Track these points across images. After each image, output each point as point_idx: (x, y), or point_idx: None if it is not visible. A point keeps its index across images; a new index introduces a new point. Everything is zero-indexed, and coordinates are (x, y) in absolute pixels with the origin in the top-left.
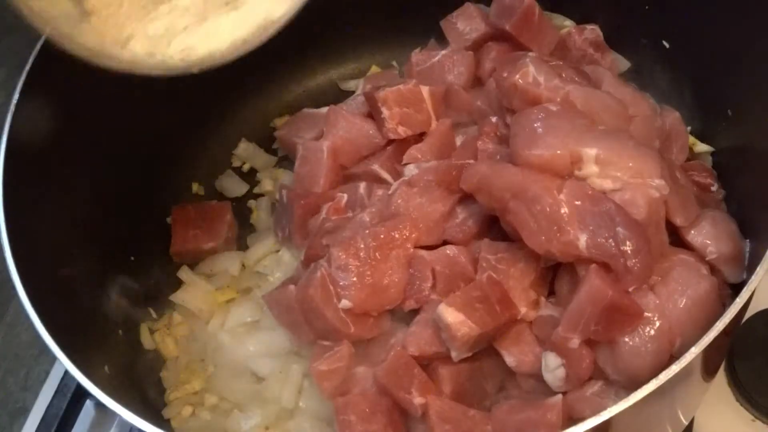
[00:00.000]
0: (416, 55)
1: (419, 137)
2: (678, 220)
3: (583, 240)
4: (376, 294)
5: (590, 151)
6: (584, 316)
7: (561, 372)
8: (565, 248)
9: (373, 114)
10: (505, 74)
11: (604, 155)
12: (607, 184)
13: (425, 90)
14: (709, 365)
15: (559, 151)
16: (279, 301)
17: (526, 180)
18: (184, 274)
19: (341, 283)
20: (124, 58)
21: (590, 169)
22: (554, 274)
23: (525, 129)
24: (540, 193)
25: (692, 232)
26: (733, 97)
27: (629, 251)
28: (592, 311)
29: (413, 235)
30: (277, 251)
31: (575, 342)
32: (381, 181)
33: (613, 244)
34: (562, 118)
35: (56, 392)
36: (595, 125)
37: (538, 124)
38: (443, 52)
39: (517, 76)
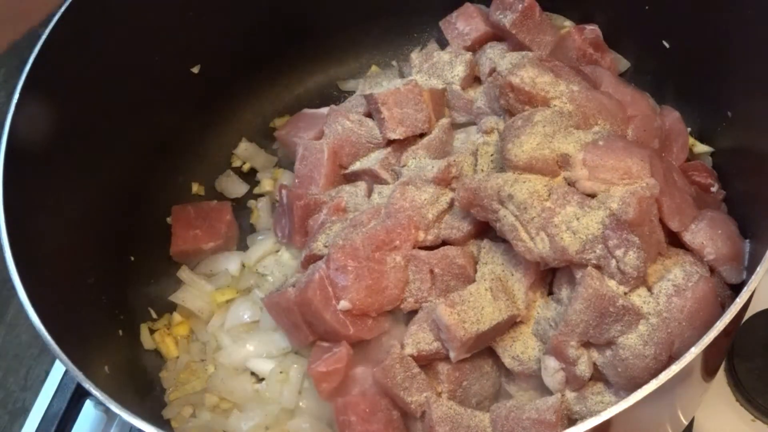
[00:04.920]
0: (416, 55)
1: (419, 137)
2: (673, 225)
3: (572, 245)
4: (375, 295)
5: (577, 155)
6: (582, 319)
7: (560, 376)
8: (556, 254)
9: (373, 114)
10: (503, 74)
11: (591, 158)
12: (597, 187)
13: (425, 90)
14: (709, 365)
15: (542, 153)
16: (278, 304)
17: (512, 186)
18: (184, 274)
19: (340, 285)
20: None
21: (579, 172)
22: (553, 275)
23: (513, 131)
24: (527, 199)
25: (690, 233)
26: (733, 98)
27: (620, 252)
28: (589, 314)
29: (412, 236)
30: (277, 251)
31: (574, 345)
32: (381, 181)
33: (603, 246)
34: (550, 120)
35: (56, 392)
36: (589, 126)
37: (526, 126)
38: (443, 52)
39: (514, 77)
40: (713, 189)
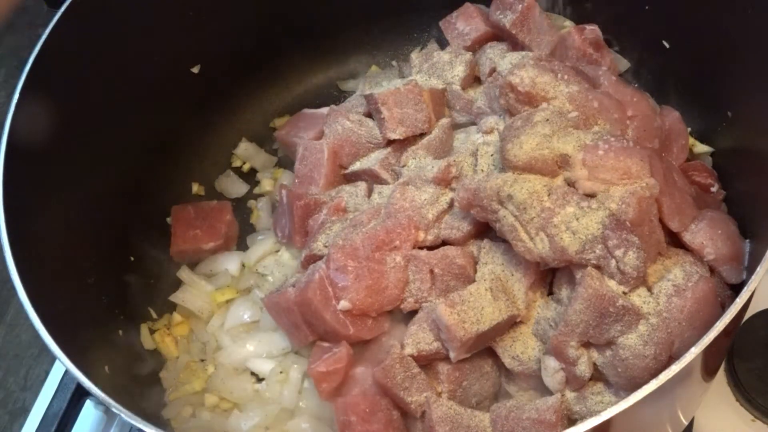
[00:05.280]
0: (416, 55)
1: (419, 137)
2: (673, 225)
3: (572, 245)
4: (375, 295)
5: (577, 155)
6: (582, 319)
7: (560, 376)
8: (556, 254)
9: (373, 114)
10: (503, 74)
11: (590, 158)
12: (597, 187)
13: (425, 90)
14: (709, 365)
15: (541, 153)
16: (278, 304)
17: (512, 186)
18: (184, 274)
19: (340, 285)
20: None
21: (579, 172)
22: (553, 275)
23: (512, 132)
24: (527, 199)
25: (690, 233)
26: (733, 98)
27: (619, 252)
28: (589, 314)
29: (411, 236)
30: (277, 251)
31: (574, 345)
32: (381, 181)
33: (602, 246)
34: (549, 120)
35: (56, 392)
36: (589, 126)
37: (526, 127)
38: (443, 52)
39: (514, 77)
40: (713, 189)
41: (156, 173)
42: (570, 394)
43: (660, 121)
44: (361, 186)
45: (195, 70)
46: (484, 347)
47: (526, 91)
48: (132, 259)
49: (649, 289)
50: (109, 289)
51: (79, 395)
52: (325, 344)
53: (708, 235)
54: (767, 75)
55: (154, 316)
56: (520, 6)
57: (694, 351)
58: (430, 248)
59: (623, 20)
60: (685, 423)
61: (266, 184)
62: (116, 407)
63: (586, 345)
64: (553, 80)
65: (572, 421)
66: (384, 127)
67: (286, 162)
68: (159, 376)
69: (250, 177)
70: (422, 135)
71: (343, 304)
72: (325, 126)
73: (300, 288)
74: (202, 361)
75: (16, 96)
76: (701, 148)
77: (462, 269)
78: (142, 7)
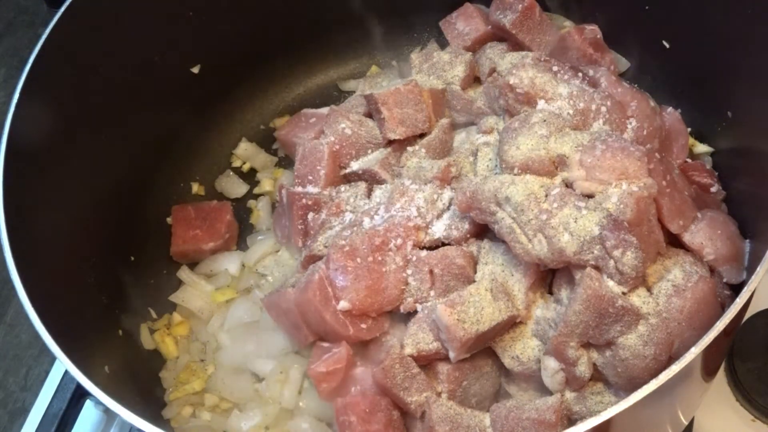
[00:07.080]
0: (416, 55)
1: (419, 137)
2: (673, 227)
3: (570, 246)
4: (375, 295)
5: (574, 156)
6: (581, 320)
7: (560, 376)
8: (554, 255)
9: (373, 114)
10: (502, 74)
11: (587, 159)
12: (595, 187)
13: (425, 90)
14: (709, 365)
15: (538, 153)
16: (278, 304)
17: (509, 188)
18: (184, 274)
19: (339, 285)
20: None
21: (576, 172)
22: (553, 275)
23: (510, 133)
24: (524, 201)
25: (689, 233)
26: (733, 98)
27: (618, 253)
28: (588, 314)
29: (411, 236)
30: (277, 251)
31: (573, 345)
32: (381, 181)
33: (600, 247)
34: (547, 121)
35: (56, 392)
36: (588, 127)
37: (523, 128)
38: (443, 52)
39: (513, 77)
40: (713, 189)
41: (156, 173)
42: (570, 394)
43: (660, 121)
44: (361, 186)
45: (195, 70)
46: (483, 347)
47: (525, 92)
48: (132, 259)
49: (649, 290)
50: (109, 289)
51: (79, 395)
52: (325, 344)
53: (708, 235)
54: (767, 75)
55: (154, 316)
56: (520, 6)
57: (694, 351)
58: (430, 248)
59: (623, 20)
60: (685, 423)
61: (266, 184)
62: (116, 407)
63: (586, 345)
64: (553, 80)
65: (572, 421)
66: (384, 127)
67: (286, 162)
68: (159, 376)
69: (250, 177)
70: (422, 135)
71: (343, 305)
72: (325, 126)
73: (300, 288)
74: (202, 361)
75: (16, 96)
76: (701, 148)
77: (462, 269)
78: (142, 7)
